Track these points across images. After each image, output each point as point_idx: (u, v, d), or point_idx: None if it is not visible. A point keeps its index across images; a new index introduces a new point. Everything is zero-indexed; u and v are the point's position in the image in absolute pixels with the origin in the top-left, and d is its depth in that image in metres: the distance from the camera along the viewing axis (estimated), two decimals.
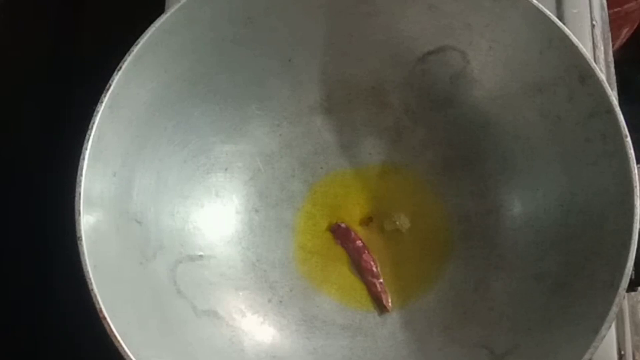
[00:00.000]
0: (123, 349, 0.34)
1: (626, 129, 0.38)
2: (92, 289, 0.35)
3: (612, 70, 0.49)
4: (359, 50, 0.46)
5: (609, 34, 0.51)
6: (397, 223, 0.47)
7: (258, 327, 0.44)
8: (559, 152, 0.42)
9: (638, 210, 0.37)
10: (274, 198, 0.48)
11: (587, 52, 0.40)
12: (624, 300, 0.36)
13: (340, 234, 0.47)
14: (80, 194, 0.37)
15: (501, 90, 0.40)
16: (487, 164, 0.46)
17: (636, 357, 0.45)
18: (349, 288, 0.46)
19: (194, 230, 0.45)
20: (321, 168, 0.49)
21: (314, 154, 0.49)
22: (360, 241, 0.47)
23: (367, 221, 0.48)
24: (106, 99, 0.38)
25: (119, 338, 0.34)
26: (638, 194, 0.37)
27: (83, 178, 0.37)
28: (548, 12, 0.40)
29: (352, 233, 0.47)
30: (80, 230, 0.36)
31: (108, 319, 0.34)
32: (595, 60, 0.47)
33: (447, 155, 0.47)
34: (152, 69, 0.41)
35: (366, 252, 0.46)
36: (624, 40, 0.78)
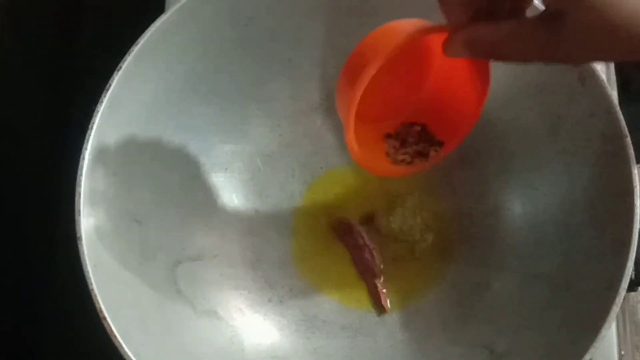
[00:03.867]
0: (123, 349, 0.34)
1: (626, 129, 0.38)
2: (92, 289, 0.35)
3: (612, 70, 0.49)
4: None
5: None
6: (397, 223, 0.47)
7: (258, 327, 0.44)
8: (559, 152, 0.42)
9: (638, 210, 0.37)
10: (274, 198, 0.48)
11: None
12: (624, 300, 0.36)
13: (342, 229, 0.47)
14: (80, 194, 0.37)
15: (501, 91, 0.40)
16: (487, 164, 0.46)
17: (636, 357, 0.45)
18: (349, 288, 0.46)
19: (194, 231, 0.45)
20: (321, 168, 0.49)
21: (313, 154, 0.49)
22: (361, 239, 0.47)
23: (367, 221, 0.48)
24: (106, 99, 0.38)
25: (119, 338, 0.34)
26: (638, 194, 0.37)
27: (83, 178, 0.37)
28: None
29: (355, 229, 0.47)
30: (80, 230, 0.36)
31: (108, 319, 0.34)
32: None
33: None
34: (152, 69, 0.41)
35: (367, 251, 0.46)
36: None
